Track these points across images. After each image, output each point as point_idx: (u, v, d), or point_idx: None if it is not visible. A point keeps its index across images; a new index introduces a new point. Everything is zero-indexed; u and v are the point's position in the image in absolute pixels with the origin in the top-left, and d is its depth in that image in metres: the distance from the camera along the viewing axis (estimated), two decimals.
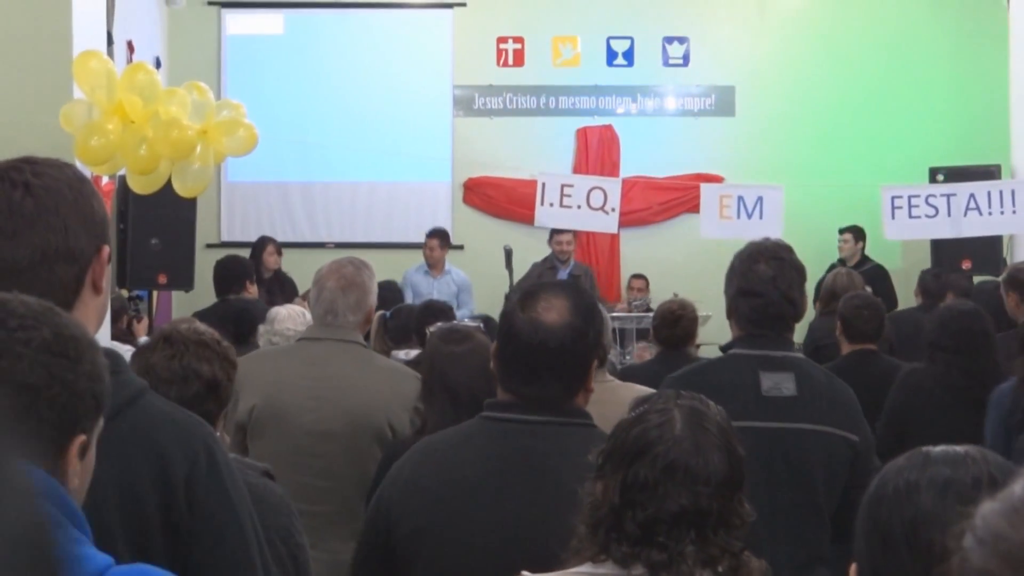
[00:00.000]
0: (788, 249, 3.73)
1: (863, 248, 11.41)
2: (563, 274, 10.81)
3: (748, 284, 3.62)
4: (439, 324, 4.24)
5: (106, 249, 2.16)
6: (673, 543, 2.13)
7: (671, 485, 2.13)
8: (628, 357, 10.11)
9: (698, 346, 7.40)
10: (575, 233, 10.95)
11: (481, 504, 2.69)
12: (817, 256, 11.63)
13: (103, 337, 6.84)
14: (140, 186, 6.71)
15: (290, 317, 5.53)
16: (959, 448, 1.61)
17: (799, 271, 3.69)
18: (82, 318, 2.08)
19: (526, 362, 2.75)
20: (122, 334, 7.68)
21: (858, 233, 11.43)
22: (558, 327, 2.72)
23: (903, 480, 1.59)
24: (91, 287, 2.13)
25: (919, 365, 5.85)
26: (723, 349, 3.75)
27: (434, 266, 11.24)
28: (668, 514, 2.13)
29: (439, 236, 11.37)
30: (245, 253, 10.28)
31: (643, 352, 8.84)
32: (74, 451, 1.70)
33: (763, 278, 3.60)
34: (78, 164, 6.53)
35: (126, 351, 6.90)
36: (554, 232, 10.78)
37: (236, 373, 3.27)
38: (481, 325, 4.14)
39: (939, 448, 1.62)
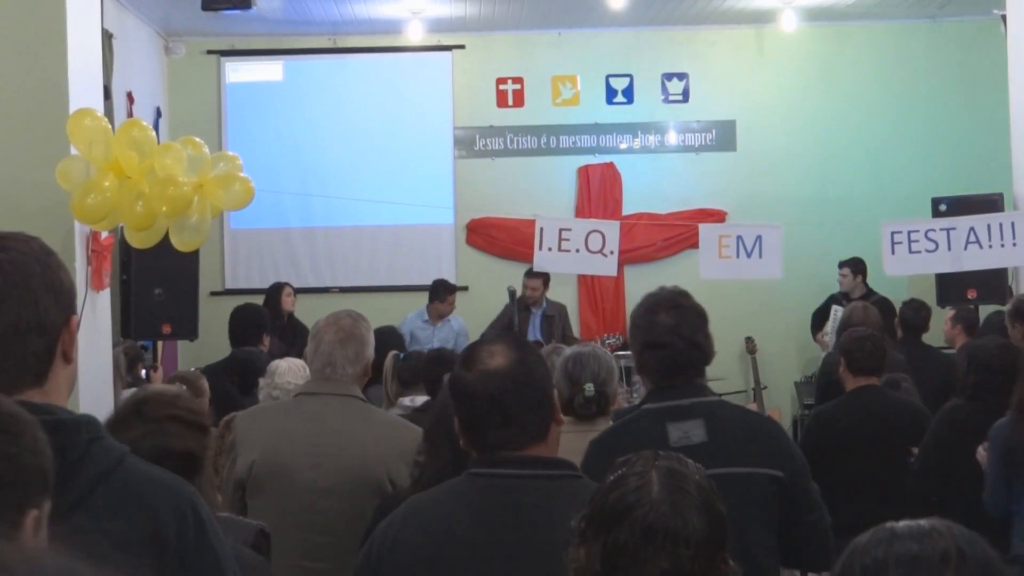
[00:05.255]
0: (686, 295, 3.71)
1: (863, 280, 11.38)
2: (536, 315, 11.00)
3: (651, 336, 3.60)
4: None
5: (74, 319, 2.19)
6: None
7: (651, 549, 2.11)
8: (635, 395, 10.07)
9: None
10: (544, 280, 11.10)
11: (468, 560, 2.69)
12: (821, 291, 11.65)
13: (101, 393, 6.86)
14: (138, 241, 6.70)
15: (290, 371, 5.53)
16: (924, 522, 1.59)
17: (700, 315, 3.66)
18: (53, 388, 2.14)
19: (494, 412, 2.74)
20: (137, 381, 7.75)
21: (857, 266, 11.39)
22: (508, 367, 2.75)
23: (870, 559, 1.57)
24: (61, 357, 2.16)
25: (960, 402, 5.83)
26: (639, 405, 3.72)
27: (442, 318, 11.34)
28: None
29: (452, 291, 11.46)
30: (249, 300, 10.27)
31: None
32: (28, 526, 1.69)
33: (665, 328, 3.58)
34: (75, 222, 6.54)
35: None
36: (525, 276, 11.00)
37: (209, 437, 3.21)
38: None
39: (903, 523, 1.60)
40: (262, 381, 5.71)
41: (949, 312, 9.29)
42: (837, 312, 10.42)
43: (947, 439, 5.72)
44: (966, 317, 8.70)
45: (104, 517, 2.07)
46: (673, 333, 3.56)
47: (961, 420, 5.73)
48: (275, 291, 10.89)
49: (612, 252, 9.44)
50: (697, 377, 3.63)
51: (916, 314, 8.68)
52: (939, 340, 9.28)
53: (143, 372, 7.90)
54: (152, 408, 3.11)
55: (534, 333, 10.70)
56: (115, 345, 7.96)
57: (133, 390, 7.40)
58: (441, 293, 11.40)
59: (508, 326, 10.47)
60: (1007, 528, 5.32)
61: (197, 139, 6.85)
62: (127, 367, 7.67)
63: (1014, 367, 5.64)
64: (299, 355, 8.14)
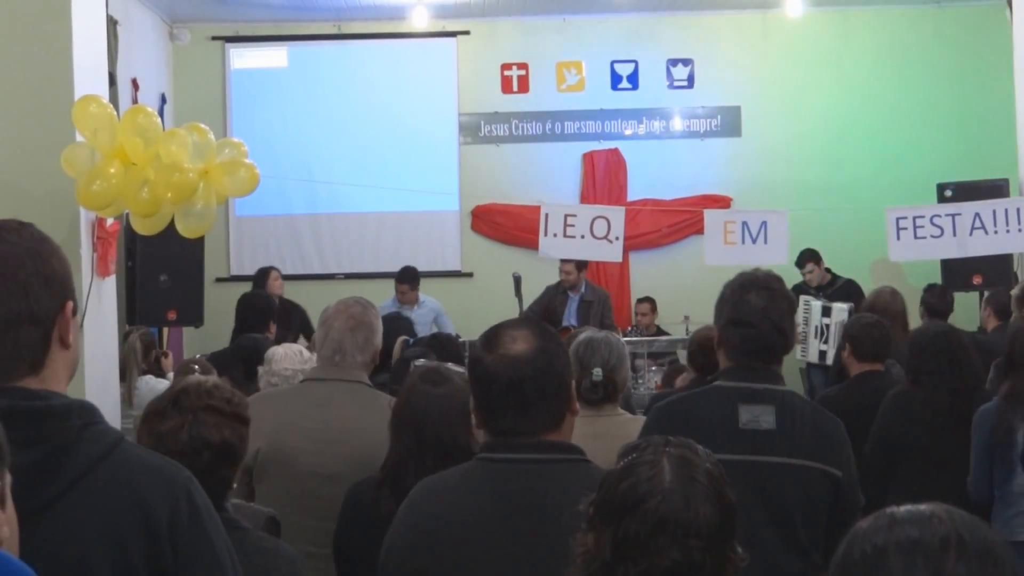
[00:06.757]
0: (779, 280, 3.71)
1: (824, 267, 11.36)
2: (574, 299, 10.87)
3: (739, 314, 3.60)
4: (423, 361, 4.19)
5: (70, 304, 2.18)
6: None
7: (662, 540, 2.10)
8: (640, 382, 10.08)
9: None
10: (577, 263, 11.00)
11: (482, 544, 2.69)
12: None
13: (108, 379, 6.87)
14: (144, 228, 6.71)
15: (287, 357, 5.49)
16: (924, 507, 1.58)
17: (790, 302, 3.68)
18: (51, 375, 2.14)
19: (512, 397, 2.74)
20: (152, 368, 7.83)
21: (815, 256, 11.31)
22: (530, 353, 2.74)
23: (870, 545, 1.56)
24: (59, 343, 2.16)
25: (903, 388, 5.87)
26: (710, 380, 3.72)
27: (408, 304, 11.23)
28: (660, 569, 2.10)
29: (409, 280, 11.37)
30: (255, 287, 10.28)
31: (672, 378, 8.75)
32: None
33: (754, 308, 3.58)
34: (81, 209, 6.55)
35: (160, 384, 7.03)
36: (561, 260, 10.84)
37: (249, 428, 3.20)
38: (464, 372, 4.08)
39: (904, 508, 1.59)
40: (260, 369, 5.67)
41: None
42: (809, 303, 10.41)
43: (891, 423, 5.79)
44: (997, 300, 8.59)
45: (94, 503, 2.07)
46: (762, 314, 3.57)
47: (903, 405, 5.78)
48: (263, 276, 10.82)
49: (617, 238, 9.45)
50: (774, 364, 3.64)
51: (940, 300, 8.63)
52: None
53: (154, 357, 7.94)
54: (189, 399, 3.09)
55: (569, 318, 10.60)
56: (128, 332, 7.99)
57: (148, 376, 7.51)
58: (397, 284, 11.38)
59: (546, 310, 10.42)
60: (987, 513, 5.37)
61: (202, 125, 6.85)
62: (143, 353, 7.72)
63: (949, 350, 5.75)
64: (296, 337, 8.15)
